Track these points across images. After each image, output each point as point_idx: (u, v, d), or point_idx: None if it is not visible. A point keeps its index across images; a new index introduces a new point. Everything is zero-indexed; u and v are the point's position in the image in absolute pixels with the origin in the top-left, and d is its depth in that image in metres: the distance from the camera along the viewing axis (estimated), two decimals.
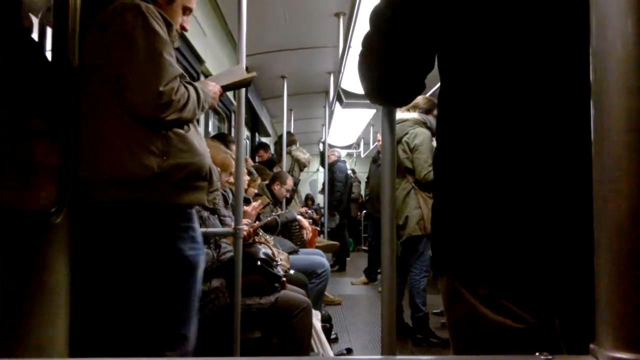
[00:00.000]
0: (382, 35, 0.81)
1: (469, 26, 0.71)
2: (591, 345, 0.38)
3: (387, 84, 0.85)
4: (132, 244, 1.33)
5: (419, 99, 3.23)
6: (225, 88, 1.66)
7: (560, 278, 0.63)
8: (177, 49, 2.73)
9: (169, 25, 1.41)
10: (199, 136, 1.44)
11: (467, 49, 0.72)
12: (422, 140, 3.05)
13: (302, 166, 5.57)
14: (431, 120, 3.17)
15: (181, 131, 1.34)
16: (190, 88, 1.36)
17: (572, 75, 0.62)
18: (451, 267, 0.75)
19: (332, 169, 6.16)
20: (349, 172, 6.91)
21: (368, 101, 0.96)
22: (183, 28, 1.54)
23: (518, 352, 0.66)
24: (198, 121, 1.63)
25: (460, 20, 0.72)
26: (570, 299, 0.63)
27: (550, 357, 0.40)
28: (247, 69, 1.98)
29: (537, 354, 0.41)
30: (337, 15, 3.51)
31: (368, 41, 0.84)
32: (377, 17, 0.81)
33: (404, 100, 0.93)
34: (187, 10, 1.52)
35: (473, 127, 0.71)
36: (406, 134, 3.09)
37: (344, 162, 6.75)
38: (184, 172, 1.32)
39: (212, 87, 1.55)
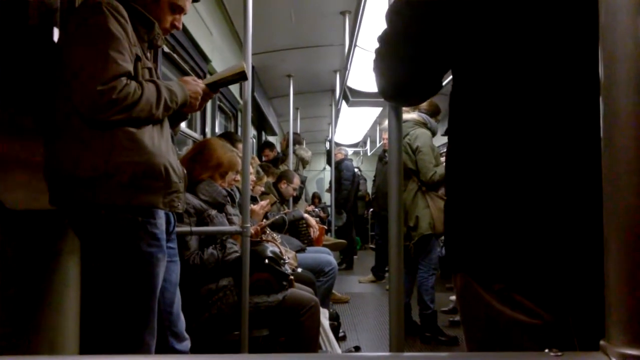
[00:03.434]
0: (401, 34, 0.80)
1: (481, 24, 0.71)
2: (601, 342, 0.38)
3: (405, 82, 0.84)
4: (89, 245, 1.31)
5: None
6: (214, 85, 1.59)
7: (573, 275, 0.63)
8: (184, 48, 2.77)
9: (148, 24, 1.38)
10: (159, 135, 1.35)
11: (479, 48, 0.72)
12: (424, 142, 3.05)
13: (305, 164, 5.60)
14: (432, 121, 3.16)
15: (131, 129, 1.27)
16: (148, 86, 1.29)
17: (583, 74, 0.63)
18: (466, 264, 0.75)
19: (339, 168, 6.15)
20: (356, 170, 6.91)
21: (374, 99, 0.96)
22: (175, 27, 1.50)
23: (533, 348, 0.66)
24: (178, 119, 1.59)
25: (473, 19, 0.72)
26: (584, 296, 0.63)
27: (559, 353, 0.40)
28: (253, 68, 1.96)
29: (546, 350, 0.41)
30: (343, 13, 3.52)
31: (386, 39, 0.84)
32: (395, 15, 0.81)
33: (421, 99, 0.94)
34: (177, 9, 1.47)
35: (487, 125, 0.71)
36: (407, 135, 3.08)
37: (351, 160, 6.74)
38: (128, 171, 1.25)
39: (192, 86, 1.48)
